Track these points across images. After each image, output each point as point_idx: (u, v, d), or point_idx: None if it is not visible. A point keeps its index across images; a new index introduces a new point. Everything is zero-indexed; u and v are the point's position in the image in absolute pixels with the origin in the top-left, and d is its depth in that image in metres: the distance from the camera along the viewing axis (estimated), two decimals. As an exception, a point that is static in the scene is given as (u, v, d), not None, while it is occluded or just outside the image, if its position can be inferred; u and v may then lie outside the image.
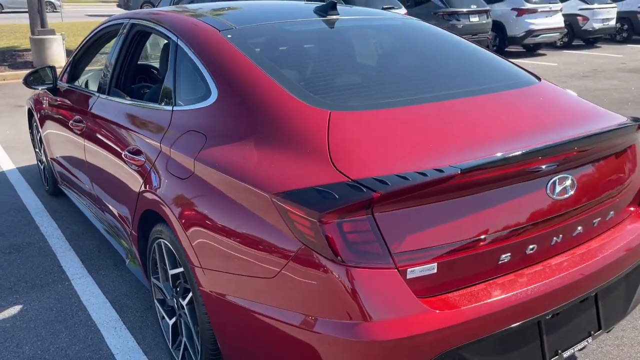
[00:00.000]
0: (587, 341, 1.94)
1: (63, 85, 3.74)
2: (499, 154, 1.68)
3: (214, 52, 2.25)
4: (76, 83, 3.75)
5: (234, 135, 1.97)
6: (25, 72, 11.17)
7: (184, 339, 2.30)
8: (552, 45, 16.60)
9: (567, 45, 15.53)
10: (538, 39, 14.01)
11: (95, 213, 3.33)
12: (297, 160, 1.73)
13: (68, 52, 12.70)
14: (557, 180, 1.82)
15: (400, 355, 1.54)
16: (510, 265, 1.76)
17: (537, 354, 1.79)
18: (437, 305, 1.60)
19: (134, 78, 3.34)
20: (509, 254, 1.74)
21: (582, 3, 14.96)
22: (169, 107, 2.38)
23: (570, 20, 14.74)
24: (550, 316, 1.81)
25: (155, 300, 2.51)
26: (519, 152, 1.66)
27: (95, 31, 3.57)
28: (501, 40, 14.02)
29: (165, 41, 2.95)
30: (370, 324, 1.53)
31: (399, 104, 1.99)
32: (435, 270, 1.60)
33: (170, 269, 2.28)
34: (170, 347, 2.43)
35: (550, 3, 13.94)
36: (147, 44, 4.48)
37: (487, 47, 14.15)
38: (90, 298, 3.02)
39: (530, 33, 13.58)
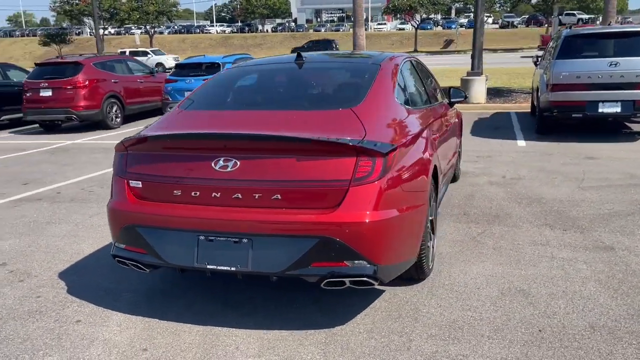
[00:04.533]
0: (233, 269, 2.96)
1: None
2: (179, 132, 3.16)
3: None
4: None
5: None
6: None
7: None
8: None
9: None
10: None
11: None
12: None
13: (488, 91, 14.80)
14: (222, 159, 2.99)
15: (118, 216, 3.26)
16: (181, 198, 3.10)
17: (191, 255, 3.05)
18: (138, 202, 3.21)
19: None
20: (180, 191, 3.09)
21: None
22: None
23: None
24: (203, 237, 3.02)
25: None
26: (186, 132, 3.11)
27: None
28: None
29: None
30: (112, 202, 3.33)
31: (223, 109, 3.63)
32: (140, 186, 3.22)
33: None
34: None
35: None
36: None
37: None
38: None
39: None
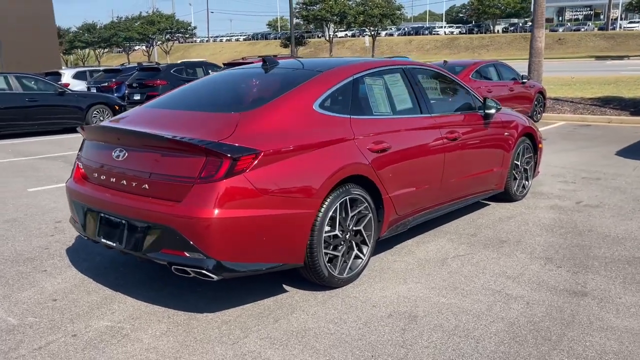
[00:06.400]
0: (114, 245, 3.45)
1: None
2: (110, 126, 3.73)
3: None
4: None
5: None
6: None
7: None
8: None
9: None
10: None
11: None
12: None
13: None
14: (118, 150, 3.50)
15: (67, 191, 3.98)
16: (96, 180, 3.67)
17: (96, 229, 3.62)
18: (79, 181, 3.89)
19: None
20: (96, 174, 3.67)
21: None
22: None
23: None
24: (102, 215, 3.57)
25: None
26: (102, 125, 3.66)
27: None
28: None
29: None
30: (68, 181, 4.06)
31: (154, 108, 4.03)
32: (82, 167, 3.89)
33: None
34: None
35: None
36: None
37: None
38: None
39: None
